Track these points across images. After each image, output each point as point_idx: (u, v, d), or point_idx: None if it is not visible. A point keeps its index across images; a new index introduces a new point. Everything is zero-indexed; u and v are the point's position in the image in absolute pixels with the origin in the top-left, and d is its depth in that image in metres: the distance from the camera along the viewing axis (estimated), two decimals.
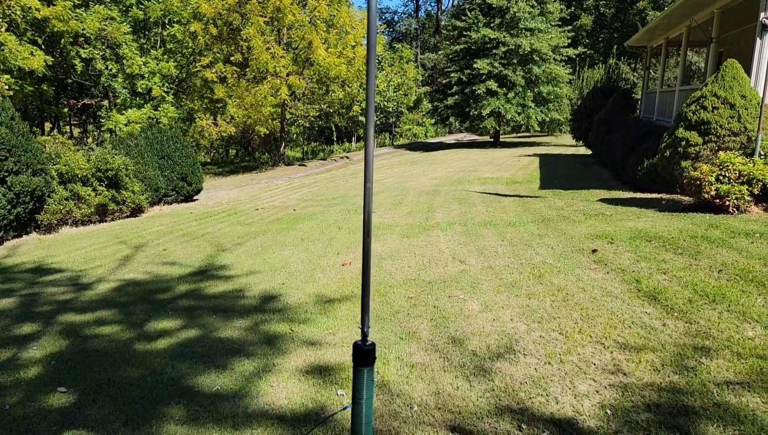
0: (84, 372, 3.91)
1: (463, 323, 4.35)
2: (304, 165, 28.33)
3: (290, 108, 28.01)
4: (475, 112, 29.41)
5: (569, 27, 32.98)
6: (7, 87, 19.05)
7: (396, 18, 62.76)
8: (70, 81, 28.58)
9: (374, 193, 10.50)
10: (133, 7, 27.30)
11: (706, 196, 7.53)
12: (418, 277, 5.74)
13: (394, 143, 41.30)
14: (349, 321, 4.62)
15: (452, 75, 30.25)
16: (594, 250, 6.11)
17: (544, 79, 29.29)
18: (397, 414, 3.13)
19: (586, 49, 43.53)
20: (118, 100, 27.45)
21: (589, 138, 18.04)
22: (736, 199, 7.29)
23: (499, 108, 28.69)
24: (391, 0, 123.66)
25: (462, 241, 7.25)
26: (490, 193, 11.77)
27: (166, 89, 27.64)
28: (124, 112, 26.45)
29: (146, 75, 26.95)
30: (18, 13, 20.90)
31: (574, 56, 32.36)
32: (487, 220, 8.61)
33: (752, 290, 4.46)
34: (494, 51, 28.83)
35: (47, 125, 33.86)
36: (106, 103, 29.14)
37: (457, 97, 30.11)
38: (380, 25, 55.50)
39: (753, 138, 8.15)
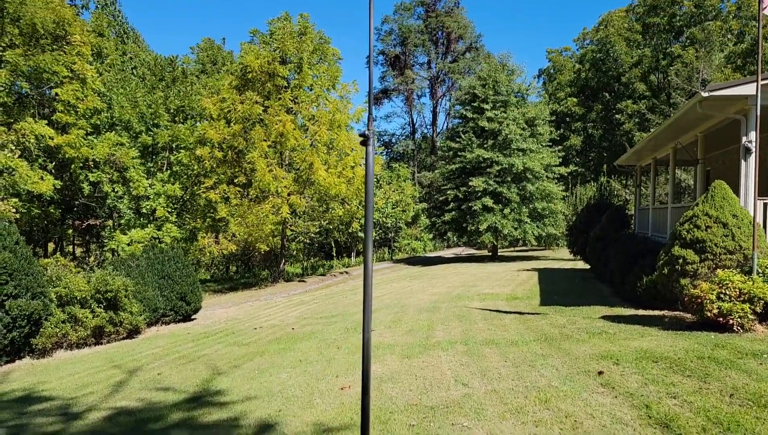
0: None
1: None
2: (304, 281, 28.31)
3: (291, 225, 28.54)
4: (472, 228, 29.93)
5: (560, 147, 34.55)
6: (14, 210, 19.54)
7: (394, 140, 65.73)
8: (76, 202, 29.39)
9: (373, 311, 10.43)
10: (143, 134, 28.72)
11: (708, 314, 7.49)
12: (419, 401, 5.55)
13: (393, 258, 41.59)
14: None
15: (449, 192, 31.16)
16: (600, 372, 5.97)
17: (538, 195, 30.14)
18: None
19: (577, 168, 45.27)
20: (123, 221, 28.02)
21: (587, 253, 18.23)
22: (740, 317, 7.25)
23: (495, 223, 29.25)
24: (389, 123, 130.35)
25: (464, 361, 7.09)
26: (490, 310, 11.68)
27: (170, 209, 28.34)
28: (127, 232, 26.91)
29: (151, 196, 27.76)
30: (32, 141, 21.95)
31: (566, 174, 33.54)
32: (489, 338, 8.47)
33: (766, 417, 4.31)
34: (488, 169, 29.94)
35: (50, 245, 34.28)
36: (110, 223, 29.73)
37: (453, 213, 30.80)
38: (379, 146, 58.15)
39: (749, 256, 8.27)
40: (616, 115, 45.36)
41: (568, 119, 50.48)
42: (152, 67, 35.53)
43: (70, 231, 30.99)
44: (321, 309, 15.32)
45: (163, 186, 28.04)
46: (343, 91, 27.30)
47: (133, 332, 12.92)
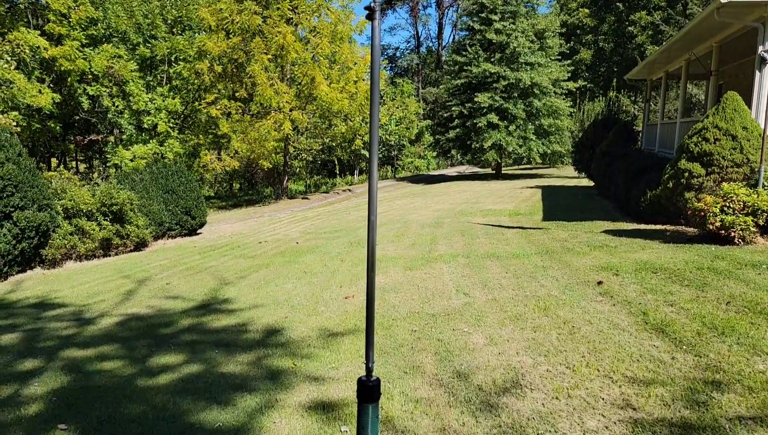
0: (85, 409, 3.86)
1: (468, 357, 4.30)
2: (307, 198, 28.45)
3: (293, 142, 28.29)
4: (477, 145, 29.63)
5: (569, 61, 33.47)
6: (14, 123, 19.31)
7: (398, 54, 63.76)
8: (77, 118, 29.01)
9: (377, 226, 10.52)
10: (140, 46, 27.86)
11: (710, 227, 7.51)
12: (421, 310, 5.69)
13: (396, 176, 41.53)
14: (352, 355, 4.57)
15: (453, 109, 30.58)
16: (599, 282, 6.07)
17: (544, 111, 29.58)
18: None
19: (586, 83, 44.09)
20: (124, 136, 27.78)
21: (591, 170, 18.12)
22: (742, 230, 7.27)
23: (500, 141, 28.91)
24: (393, 36, 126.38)
25: (465, 273, 7.22)
26: (493, 225, 11.77)
27: (171, 125, 28.00)
28: (129, 147, 26.75)
29: (152, 111, 27.34)
30: (27, 52, 21.34)
31: (574, 89, 32.75)
32: (491, 252, 8.58)
33: (761, 323, 4.41)
34: (495, 85, 29.22)
35: (54, 161, 34.24)
36: (112, 138, 29.50)
37: (458, 130, 30.38)
38: (382, 60, 56.42)
39: (756, 169, 8.18)
40: (629, 28, 43.54)
41: (578, 32, 48.55)
42: None
43: (72, 146, 30.83)
44: (324, 225, 15.48)
45: (163, 100, 27.56)
46: (345, 0, 26.17)
47: (140, 245, 13.15)
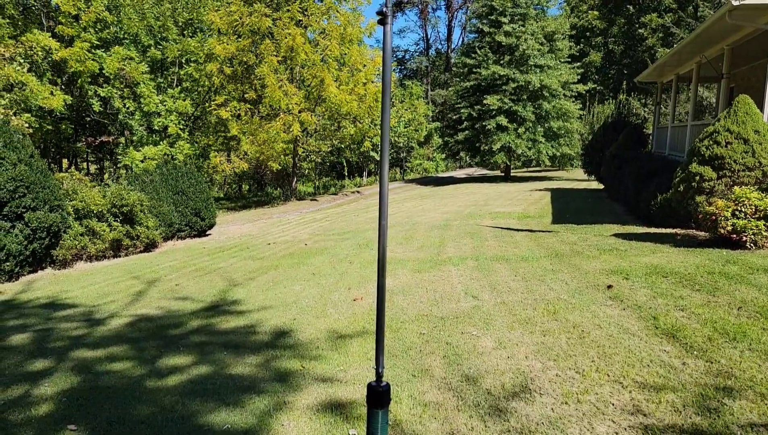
0: (95, 409, 3.88)
1: (477, 361, 4.28)
2: (316, 200, 28.49)
3: (302, 144, 28.36)
4: (486, 147, 29.55)
5: (578, 63, 33.33)
6: (27, 125, 19.52)
7: (407, 56, 63.80)
8: (88, 119, 29.24)
9: None
10: (152, 48, 28.06)
11: (722, 231, 7.45)
12: (430, 312, 5.68)
13: (405, 178, 41.52)
14: (360, 357, 4.56)
15: (462, 111, 30.53)
16: (609, 286, 6.04)
17: (554, 114, 29.46)
18: None
19: (595, 85, 43.85)
20: (135, 138, 27.97)
21: (601, 172, 18.02)
22: (754, 234, 7.21)
23: (509, 143, 28.82)
24: (402, 39, 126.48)
25: (474, 276, 7.20)
26: (501, 228, 11.73)
27: (181, 127, 28.17)
28: (140, 148, 26.93)
29: (163, 113, 27.52)
30: (39, 54, 21.57)
31: (584, 92, 32.58)
32: (500, 254, 8.55)
33: None
34: (504, 87, 29.14)
35: (65, 162, 34.54)
36: (122, 140, 29.71)
37: (467, 132, 30.32)
38: (392, 62, 56.45)
39: None
40: (639, 30, 43.28)
41: (588, 34, 48.32)
42: None
43: (83, 147, 31.09)
44: (333, 226, 15.50)
45: (174, 102, 27.73)
46: (354, 3, 26.23)
47: (150, 246, 13.22)
